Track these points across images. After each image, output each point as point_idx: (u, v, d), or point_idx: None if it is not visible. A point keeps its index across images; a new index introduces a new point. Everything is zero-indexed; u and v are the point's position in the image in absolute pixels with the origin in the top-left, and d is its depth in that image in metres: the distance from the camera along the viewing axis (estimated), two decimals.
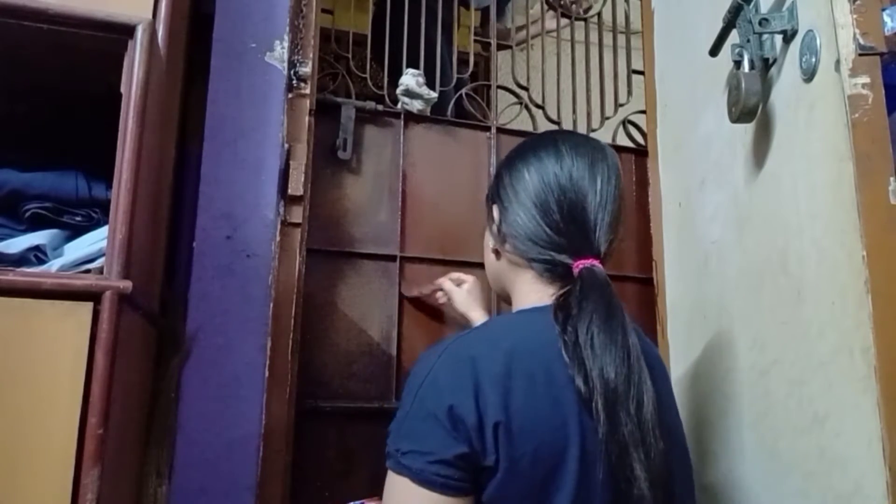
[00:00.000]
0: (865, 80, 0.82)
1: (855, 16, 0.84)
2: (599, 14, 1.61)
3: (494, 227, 0.84)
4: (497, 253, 0.85)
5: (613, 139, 1.53)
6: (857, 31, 0.83)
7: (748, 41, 0.99)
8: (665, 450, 0.67)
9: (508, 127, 1.44)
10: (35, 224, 0.83)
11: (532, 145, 0.84)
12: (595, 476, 0.66)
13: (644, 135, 1.53)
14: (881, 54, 0.83)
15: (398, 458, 0.66)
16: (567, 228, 0.77)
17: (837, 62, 0.84)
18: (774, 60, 0.99)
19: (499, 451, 0.65)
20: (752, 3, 0.98)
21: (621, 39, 1.59)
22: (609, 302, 0.72)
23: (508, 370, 0.68)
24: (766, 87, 1.01)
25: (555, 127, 1.51)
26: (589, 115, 1.52)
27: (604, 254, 0.78)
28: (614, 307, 0.72)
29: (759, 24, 0.96)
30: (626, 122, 1.55)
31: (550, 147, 0.81)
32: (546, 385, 0.68)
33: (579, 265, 0.76)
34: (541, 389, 0.68)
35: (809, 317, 0.89)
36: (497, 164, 0.90)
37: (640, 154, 1.51)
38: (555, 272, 0.78)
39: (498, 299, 1.28)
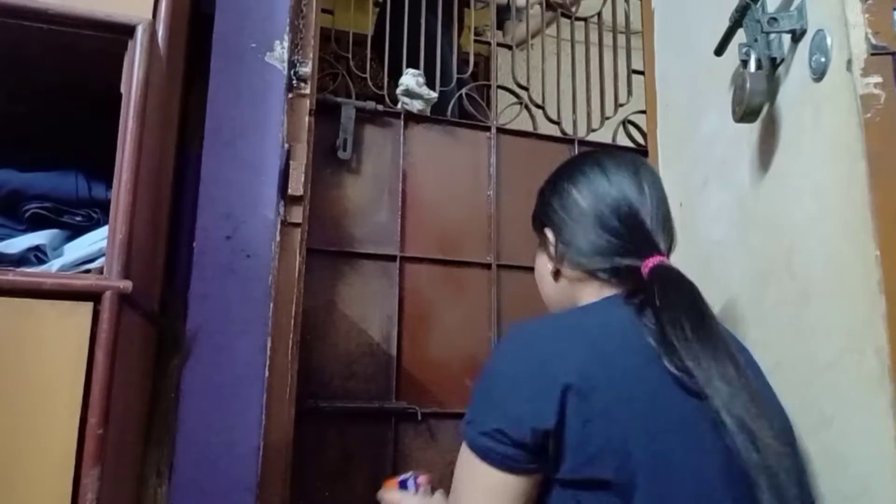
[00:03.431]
0: (878, 79, 0.82)
1: (866, 15, 0.84)
2: (599, 14, 1.61)
3: (551, 249, 0.85)
4: (556, 274, 0.85)
5: (613, 139, 1.53)
6: (869, 30, 0.83)
7: (756, 40, 0.98)
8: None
9: (508, 127, 1.44)
10: (35, 224, 0.82)
11: (575, 166, 0.87)
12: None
13: (644, 135, 1.53)
14: (893, 53, 0.83)
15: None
16: (628, 234, 0.79)
17: (849, 62, 0.84)
18: (782, 60, 0.99)
19: (558, 448, 0.66)
20: (760, 3, 0.98)
21: (621, 39, 1.59)
22: (694, 299, 0.73)
23: (577, 363, 0.68)
24: (773, 86, 1.00)
25: (555, 127, 1.51)
26: (589, 115, 1.52)
27: (666, 252, 0.80)
28: (701, 305, 0.73)
29: (768, 23, 0.95)
30: (626, 122, 1.55)
31: (594, 164, 0.85)
32: (622, 373, 0.69)
33: (648, 264, 0.77)
34: (616, 374, 0.69)
35: (815, 318, 0.89)
36: (539, 191, 0.91)
37: (641, 154, 1.51)
38: (621, 276, 0.79)
39: None
